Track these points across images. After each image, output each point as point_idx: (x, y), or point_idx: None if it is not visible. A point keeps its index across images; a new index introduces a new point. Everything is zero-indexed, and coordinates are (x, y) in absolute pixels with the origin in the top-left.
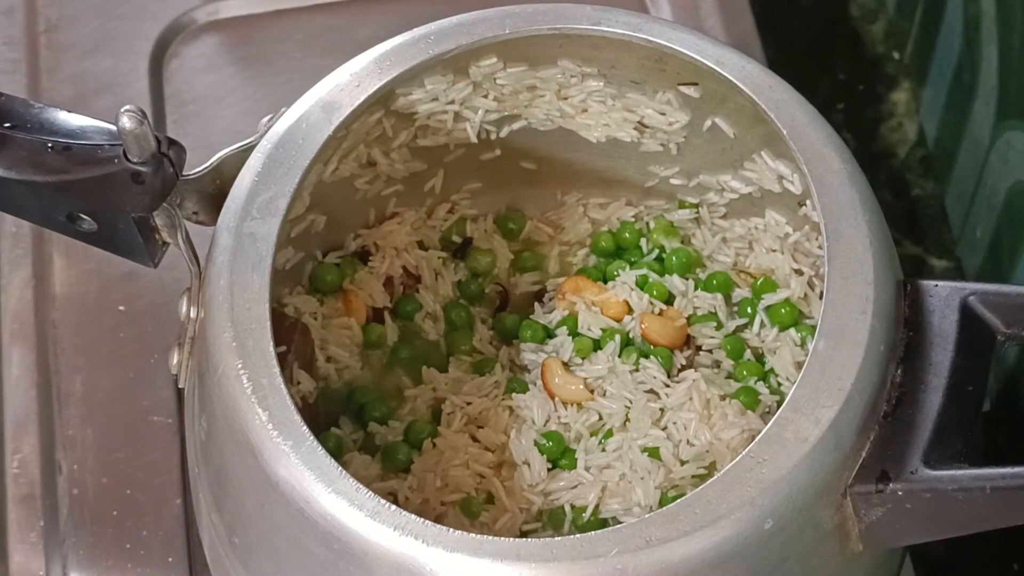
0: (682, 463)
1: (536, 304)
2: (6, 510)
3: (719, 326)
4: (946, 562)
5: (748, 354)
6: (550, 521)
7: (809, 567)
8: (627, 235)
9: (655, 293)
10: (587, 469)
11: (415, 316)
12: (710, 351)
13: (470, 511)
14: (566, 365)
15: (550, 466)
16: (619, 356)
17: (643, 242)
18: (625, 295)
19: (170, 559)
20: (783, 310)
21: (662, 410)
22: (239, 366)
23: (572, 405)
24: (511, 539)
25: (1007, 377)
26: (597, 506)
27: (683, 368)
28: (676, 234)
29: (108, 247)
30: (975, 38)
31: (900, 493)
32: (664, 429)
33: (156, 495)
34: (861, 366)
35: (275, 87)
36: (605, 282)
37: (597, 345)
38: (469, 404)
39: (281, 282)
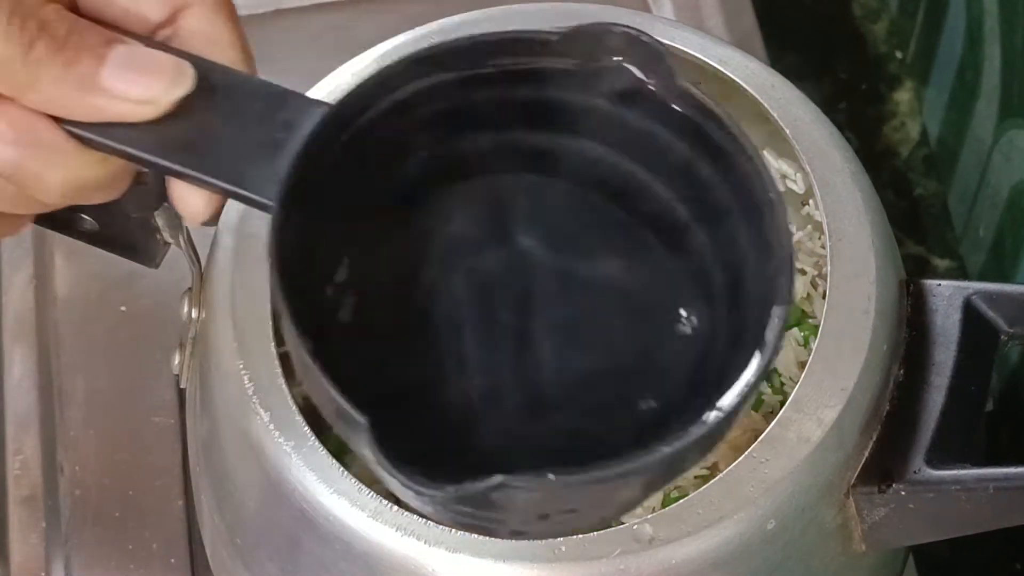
0: None
1: None
2: (7, 511)
3: None
4: (949, 562)
5: None
6: None
7: (811, 567)
8: None
9: None
10: None
11: None
12: None
13: None
14: None
15: None
16: None
17: None
18: None
19: (172, 560)
20: None
21: None
22: (241, 366)
23: None
24: (513, 539)
25: (1010, 377)
26: None
27: None
28: None
29: (109, 247)
30: (978, 37)
31: (903, 493)
32: None
33: (158, 496)
34: (864, 366)
35: None
36: None
37: None
38: None
39: None
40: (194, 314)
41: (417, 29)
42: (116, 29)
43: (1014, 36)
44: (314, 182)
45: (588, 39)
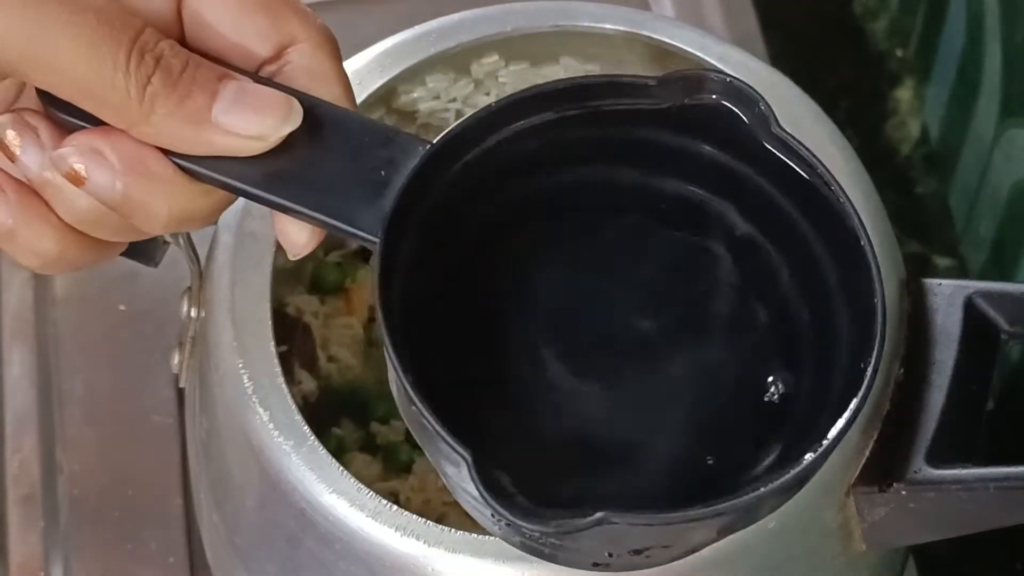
0: None
1: None
2: (6, 511)
3: None
4: (949, 562)
5: None
6: None
7: (812, 567)
8: None
9: None
10: None
11: None
12: None
13: None
14: None
15: None
16: None
17: None
18: None
19: (171, 559)
20: None
21: None
22: (240, 366)
23: None
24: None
25: (1011, 375)
26: None
27: None
28: None
29: None
30: (978, 35)
31: (903, 492)
32: None
33: (157, 495)
34: None
35: None
36: None
37: None
38: None
39: (282, 281)
40: (193, 313)
41: (416, 28)
42: (222, 64)
43: (1015, 34)
44: (416, 217)
45: (685, 84)
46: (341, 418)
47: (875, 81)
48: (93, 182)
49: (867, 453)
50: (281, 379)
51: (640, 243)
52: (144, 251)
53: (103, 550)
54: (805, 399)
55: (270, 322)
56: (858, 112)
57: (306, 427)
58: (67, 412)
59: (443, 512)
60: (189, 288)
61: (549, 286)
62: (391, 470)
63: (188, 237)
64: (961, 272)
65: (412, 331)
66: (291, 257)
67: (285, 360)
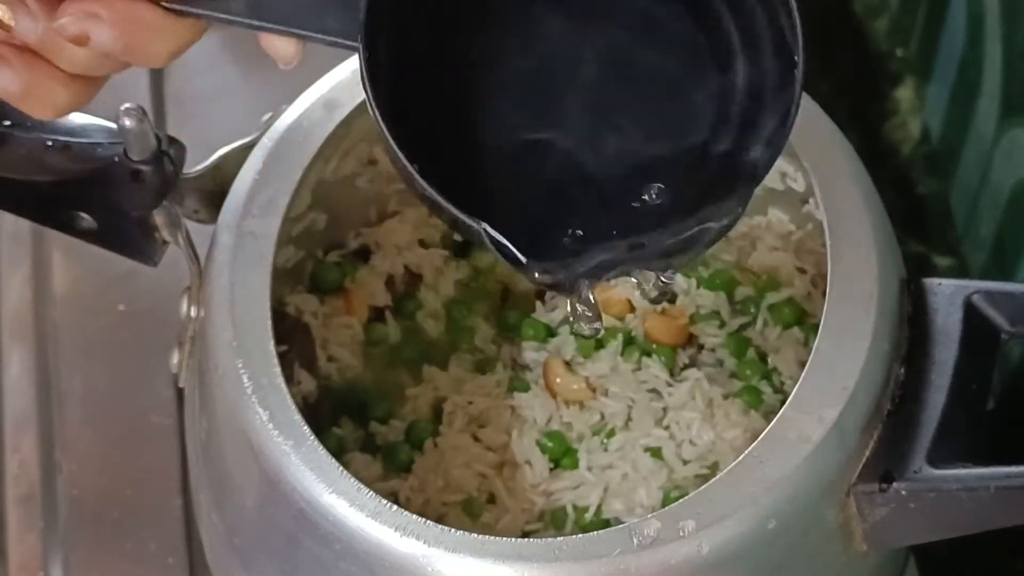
0: (684, 463)
1: (538, 302)
2: (5, 511)
3: (722, 324)
4: (950, 562)
5: (751, 353)
6: (552, 521)
7: (813, 567)
8: None
9: None
10: (589, 469)
11: (416, 315)
12: (713, 350)
13: (472, 511)
14: (568, 364)
15: (552, 466)
16: (621, 355)
17: None
18: (628, 293)
19: (170, 560)
20: (786, 309)
21: (664, 409)
22: (239, 365)
23: (574, 404)
24: (513, 539)
25: (1011, 375)
26: (599, 506)
27: (686, 367)
28: None
29: (108, 246)
30: (979, 35)
31: (904, 493)
32: (666, 428)
33: (156, 496)
34: (864, 365)
35: (276, 85)
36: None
37: (599, 344)
38: (471, 403)
39: (282, 281)
40: (193, 313)
41: None
42: None
43: (1015, 34)
44: (390, 22)
45: None
46: (341, 418)
47: (875, 81)
48: (96, 41)
49: (867, 453)
50: (281, 379)
51: None
52: (144, 251)
53: (102, 550)
54: (745, 108)
55: (269, 322)
56: (858, 112)
57: (306, 427)
58: (66, 412)
59: (443, 512)
60: (188, 288)
61: (515, 55)
62: (391, 470)
63: (188, 237)
64: (961, 272)
65: (401, 119)
66: (282, 67)
67: (285, 360)
